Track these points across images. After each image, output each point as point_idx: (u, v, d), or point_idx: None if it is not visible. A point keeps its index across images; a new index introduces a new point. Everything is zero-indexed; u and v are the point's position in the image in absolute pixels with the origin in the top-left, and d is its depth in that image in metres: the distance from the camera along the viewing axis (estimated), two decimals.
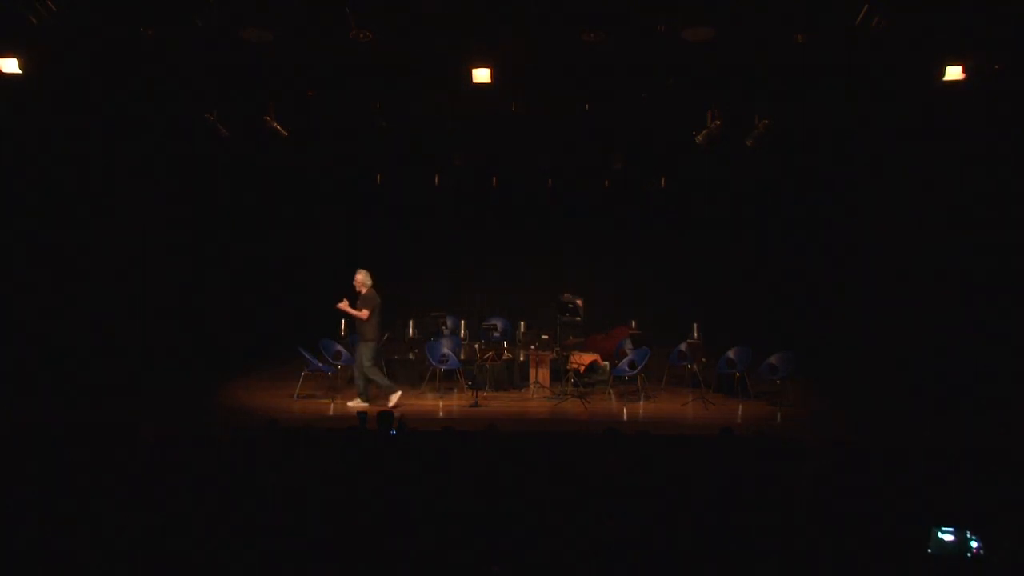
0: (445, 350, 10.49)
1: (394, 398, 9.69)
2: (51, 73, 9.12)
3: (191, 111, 10.18)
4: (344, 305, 9.61)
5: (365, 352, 9.59)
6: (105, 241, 11.10)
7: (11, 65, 8.57)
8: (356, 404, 9.59)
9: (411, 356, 11.11)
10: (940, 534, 4.97)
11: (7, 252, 10.03)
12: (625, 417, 9.50)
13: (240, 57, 9.07)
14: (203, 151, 11.45)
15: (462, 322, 11.65)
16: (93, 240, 10.95)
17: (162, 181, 11.84)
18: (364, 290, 9.65)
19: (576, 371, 10.54)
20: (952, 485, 6.27)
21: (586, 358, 10.81)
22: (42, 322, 10.29)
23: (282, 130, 10.38)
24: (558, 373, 10.59)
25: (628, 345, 10.61)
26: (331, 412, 9.56)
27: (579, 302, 11.31)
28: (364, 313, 9.50)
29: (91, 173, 10.82)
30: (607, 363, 10.77)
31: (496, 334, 10.96)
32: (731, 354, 10.32)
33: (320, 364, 10.14)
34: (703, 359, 10.56)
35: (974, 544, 4.91)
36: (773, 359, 10.02)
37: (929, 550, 4.96)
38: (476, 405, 9.80)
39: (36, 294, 10.29)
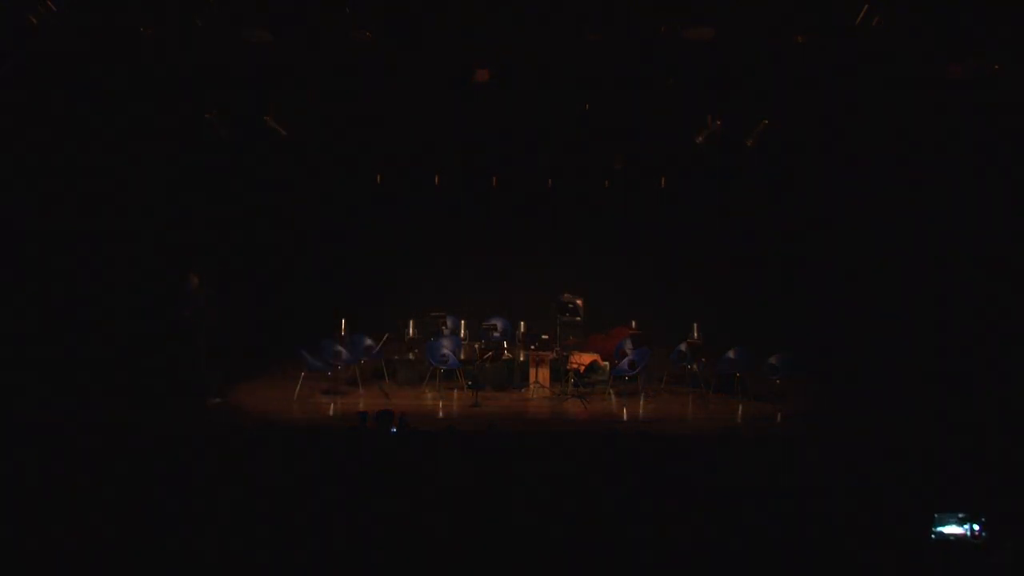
0: (445, 350, 10.48)
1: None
2: (51, 73, 9.13)
3: (191, 111, 10.17)
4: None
5: None
6: (104, 240, 11.08)
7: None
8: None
9: (411, 356, 11.10)
10: (943, 521, 5.04)
11: (6, 251, 10.02)
12: (625, 417, 9.50)
13: (240, 57, 9.06)
14: (202, 151, 11.43)
15: (462, 322, 11.63)
16: (92, 239, 10.93)
17: (161, 180, 11.82)
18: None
19: (576, 371, 10.53)
20: (954, 474, 6.31)
21: (586, 358, 10.80)
22: (42, 322, 10.27)
23: (282, 130, 10.38)
24: (558, 373, 10.57)
25: (628, 345, 10.60)
26: (331, 412, 9.56)
27: (579, 302, 11.30)
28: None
29: (90, 172, 10.80)
30: (607, 363, 10.76)
31: (496, 334, 10.95)
32: (731, 354, 10.31)
33: (319, 364, 10.13)
34: (703, 359, 10.55)
35: (975, 527, 4.98)
36: (773, 359, 10.01)
37: (933, 536, 5.02)
38: (476, 405, 9.79)
39: (35, 294, 10.27)
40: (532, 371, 10.52)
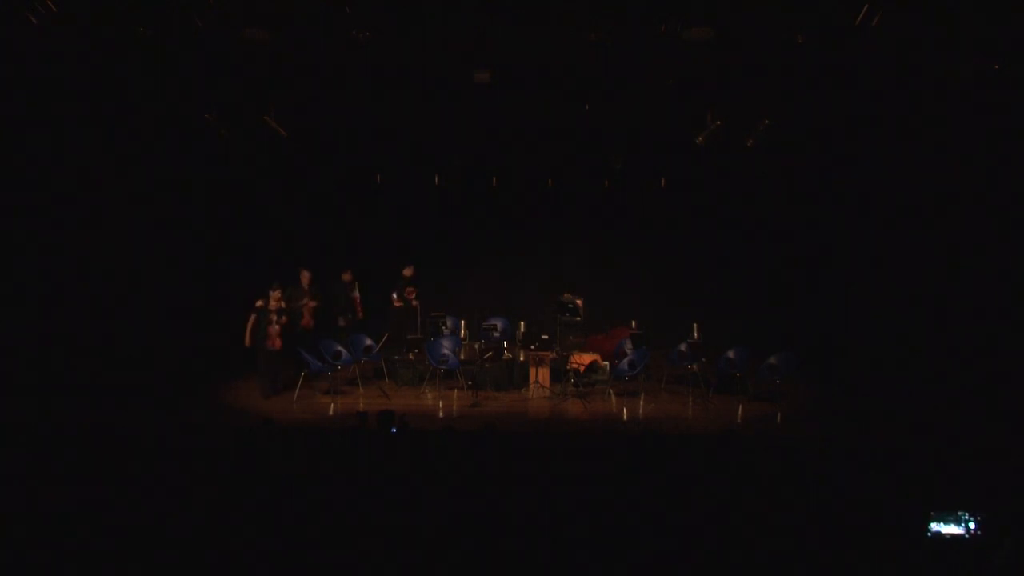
0: (445, 350, 10.48)
1: None
2: (50, 73, 9.12)
3: (191, 111, 10.17)
4: None
5: None
6: (105, 241, 11.08)
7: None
8: None
9: (411, 356, 11.10)
10: (938, 519, 5.06)
11: (7, 251, 10.03)
12: (625, 417, 9.50)
13: (240, 57, 9.06)
14: (202, 151, 11.43)
15: (462, 322, 11.64)
16: (93, 240, 10.94)
17: (162, 181, 11.82)
18: None
19: (576, 371, 10.53)
20: (951, 473, 6.32)
21: (586, 358, 10.80)
22: (43, 322, 10.28)
23: (282, 130, 10.37)
24: (558, 373, 10.58)
25: (628, 345, 10.60)
26: (331, 412, 9.56)
27: (579, 302, 11.29)
28: None
29: (91, 172, 10.81)
30: (607, 363, 10.76)
31: (496, 334, 10.94)
32: (731, 354, 10.30)
33: (320, 364, 10.13)
34: (703, 359, 10.54)
35: (971, 525, 5.01)
36: (773, 359, 10.01)
37: (929, 534, 5.04)
38: (476, 405, 9.79)
39: (37, 295, 10.28)
40: (532, 371, 10.53)
